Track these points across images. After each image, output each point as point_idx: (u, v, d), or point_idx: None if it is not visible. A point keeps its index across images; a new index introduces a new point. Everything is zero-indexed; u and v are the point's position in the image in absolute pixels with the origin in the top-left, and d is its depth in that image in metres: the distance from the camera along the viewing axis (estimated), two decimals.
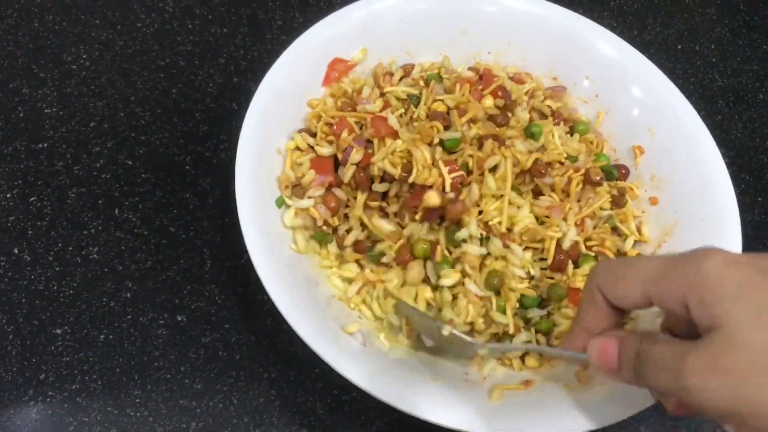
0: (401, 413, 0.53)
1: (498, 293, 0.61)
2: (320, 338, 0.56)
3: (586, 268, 0.63)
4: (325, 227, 0.64)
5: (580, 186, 0.66)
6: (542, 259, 0.63)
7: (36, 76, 0.75)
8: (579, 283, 0.61)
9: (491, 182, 0.62)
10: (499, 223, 0.61)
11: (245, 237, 0.58)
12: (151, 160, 0.72)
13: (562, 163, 0.67)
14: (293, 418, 0.62)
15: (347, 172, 0.63)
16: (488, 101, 0.68)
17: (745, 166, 0.83)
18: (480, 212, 0.62)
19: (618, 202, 0.69)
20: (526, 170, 0.64)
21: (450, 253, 0.61)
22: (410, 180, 0.61)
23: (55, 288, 0.65)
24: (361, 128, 0.66)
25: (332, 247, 0.64)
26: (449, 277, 0.59)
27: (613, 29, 0.77)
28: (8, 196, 0.68)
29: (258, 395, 0.63)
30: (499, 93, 0.69)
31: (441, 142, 0.63)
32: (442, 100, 0.67)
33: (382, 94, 0.68)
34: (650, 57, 0.75)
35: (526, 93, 0.74)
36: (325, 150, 0.65)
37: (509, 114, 0.69)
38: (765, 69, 0.93)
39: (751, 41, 0.95)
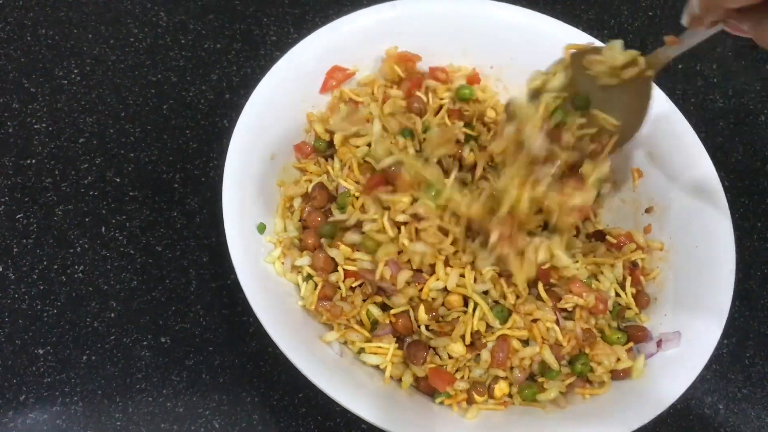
0: None
1: None
2: (316, 367, 0.55)
3: None
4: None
5: None
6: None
7: (27, 91, 0.75)
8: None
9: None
10: None
11: (234, 261, 0.57)
12: (140, 177, 0.72)
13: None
14: None
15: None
16: None
17: (746, 190, 0.82)
18: None
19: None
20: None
21: None
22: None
23: (38, 307, 0.64)
24: None
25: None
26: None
27: None
28: None
29: (240, 420, 0.62)
30: None
31: None
32: None
33: None
34: None
35: None
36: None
37: None
38: None
39: (754, 62, 0.93)
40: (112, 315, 0.65)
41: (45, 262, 0.66)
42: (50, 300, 0.65)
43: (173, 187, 0.72)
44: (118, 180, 0.71)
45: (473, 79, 0.75)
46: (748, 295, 0.75)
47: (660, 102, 0.72)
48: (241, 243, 0.59)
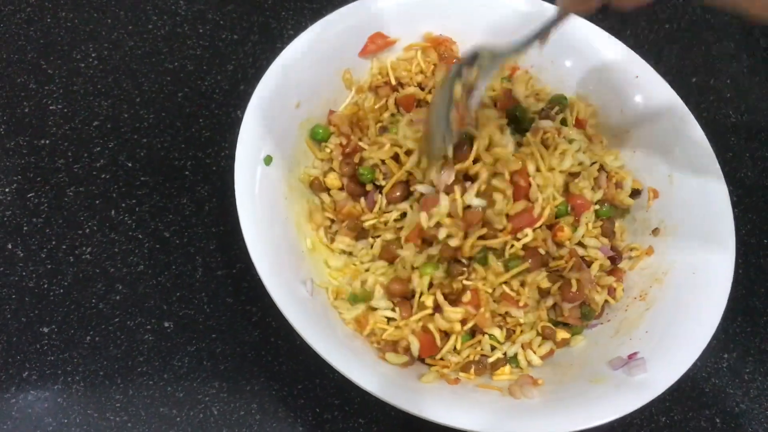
0: None
1: None
2: (325, 342, 0.55)
3: None
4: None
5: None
6: None
7: (44, 72, 0.76)
8: None
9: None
10: None
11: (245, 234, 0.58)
12: (151, 163, 0.72)
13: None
14: None
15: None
16: None
17: (753, 206, 0.82)
18: None
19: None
20: None
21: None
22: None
23: (45, 286, 0.65)
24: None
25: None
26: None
27: None
28: (6, 190, 0.69)
29: (239, 408, 0.62)
30: None
31: None
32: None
33: None
34: None
35: None
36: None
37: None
38: None
39: None
40: (118, 297, 0.65)
41: (54, 242, 0.67)
42: (57, 279, 0.65)
43: (184, 175, 0.72)
44: (129, 164, 0.72)
45: (512, 72, 0.77)
46: (751, 311, 0.75)
47: (692, 130, 0.72)
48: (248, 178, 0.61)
